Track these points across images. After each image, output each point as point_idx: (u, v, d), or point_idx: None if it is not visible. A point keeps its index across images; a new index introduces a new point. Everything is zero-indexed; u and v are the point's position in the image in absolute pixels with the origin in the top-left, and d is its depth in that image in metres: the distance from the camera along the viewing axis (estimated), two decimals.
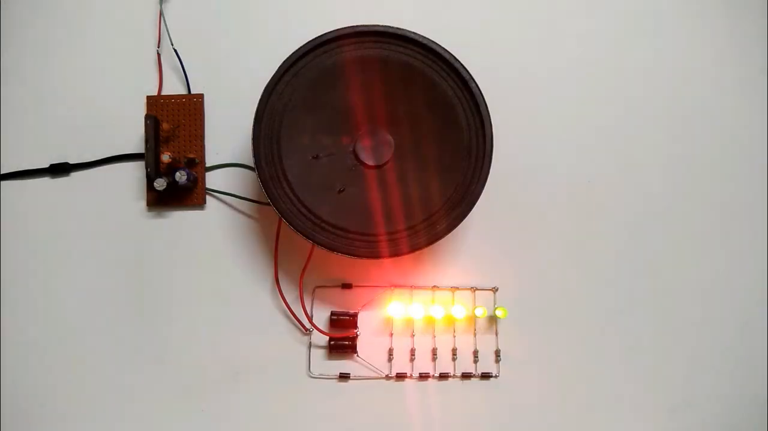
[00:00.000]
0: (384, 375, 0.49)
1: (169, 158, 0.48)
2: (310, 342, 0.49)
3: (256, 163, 0.44)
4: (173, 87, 0.52)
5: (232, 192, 0.50)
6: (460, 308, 0.49)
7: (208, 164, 0.51)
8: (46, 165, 0.50)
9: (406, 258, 0.49)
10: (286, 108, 0.45)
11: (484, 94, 0.45)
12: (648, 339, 0.50)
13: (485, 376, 0.49)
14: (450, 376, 0.49)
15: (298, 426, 0.48)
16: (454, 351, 0.49)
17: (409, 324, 0.50)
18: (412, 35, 0.46)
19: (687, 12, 0.54)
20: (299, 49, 0.45)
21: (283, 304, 0.49)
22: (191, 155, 0.50)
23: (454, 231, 0.45)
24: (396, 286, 0.50)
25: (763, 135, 0.53)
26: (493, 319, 0.50)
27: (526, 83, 0.53)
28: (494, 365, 0.49)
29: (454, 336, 0.50)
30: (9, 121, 0.51)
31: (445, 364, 0.49)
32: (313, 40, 0.45)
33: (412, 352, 0.49)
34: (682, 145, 0.52)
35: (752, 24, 0.54)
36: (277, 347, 0.49)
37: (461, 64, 0.45)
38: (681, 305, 0.51)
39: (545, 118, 0.52)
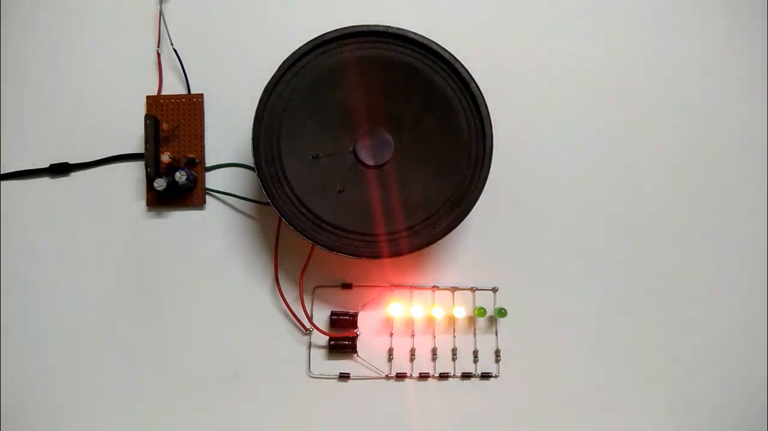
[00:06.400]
0: (384, 375, 0.49)
1: (169, 158, 0.48)
2: (310, 342, 0.49)
3: (256, 163, 0.44)
4: (173, 87, 0.52)
5: (232, 192, 0.50)
6: (460, 309, 0.49)
7: (208, 164, 0.51)
8: (46, 165, 0.50)
9: (406, 258, 0.49)
10: (286, 108, 0.45)
11: (484, 95, 0.45)
12: (648, 339, 0.50)
13: (485, 376, 0.49)
14: (450, 376, 0.49)
15: (298, 426, 0.48)
16: (454, 351, 0.49)
17: (409, 324, 0.50)
18: (413, 35, 0.46)
19: (687, 12, 0.54)
20: (299, 49, 0.45)
21: (283, 304, 0.49)
22: (191, 155, 0.50)
23: (454, 231, 0.45)
24: (396, 286, 0.50)
25: (763, 135, 0.53)
26: (493, 319, 0.50)
27: (526, 84, 0.53)
28: (494, 365, 0.49)
29: (454, 336, 0.50)
30: (9, 121, 0.51)
31: (445, 364, 0.49)
32: (313, 40, 0.45)
33: (412, 352, 0.49)
34: (682, 145, 0.52)
35: (752, 24, 0.54)
36: (277, 347, 0.49)
37: (461, 64, 0.45)
38: (681, 305, 0.51)
39: (545, 118, 0.52)
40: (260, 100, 0.45)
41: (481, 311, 0.49)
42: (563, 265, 0.51)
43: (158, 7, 0.52)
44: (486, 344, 0.50)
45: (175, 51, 0.51)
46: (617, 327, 0.50)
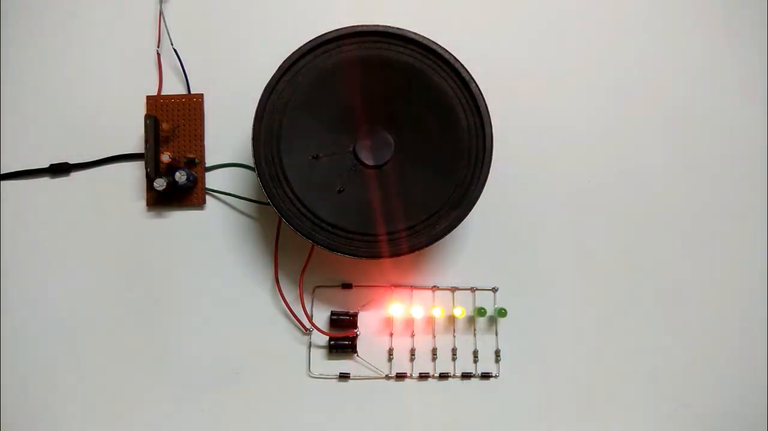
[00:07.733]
0: (384, 375, 0.49)
1: (169, 158, 0.48)
2: (310, 342, 0.49)
3: (256, 163, 0.44)
4: (173, 87, 0.52)
5: (232, 192, 0.50)
6: (459, 309, 0.49)
7: (208, 164, 0.51)
8: (46, 165, 0.50)
9: (406, 258, 0.49)
10: (286, 108, 0.45)
11: (484, 95, 0.45)
12: (648, 339, 0.50)
13: (485, 376, 0.49)
14: (450, 376, 0.49)
15: (298, 426, 0.48)
16: (454, 351, 0.49)
17: (409, 324, 0.50)
18: (413, 35, 0.46)
19: (687, 12, 0.54)
20: (299, 49, 0.45)
21: (283, 304, 0.49)
22: (191, 155, 0.50)
23: (454, 231, 0.45)
24: (396, 286, 0.50)
25: (763, 135, 0.53)
26: (493, 319, 0.50)
27: (526, 84, 0.52)
28: (494, 365, 0.49)
29: (454, 336, 0.50)
30: (9, 121, 0.51)
31: (445, 364, 0.49)
32: (313, 40, 0.45)
33: (412, 352, 0.49)
34: (682, 145, 0.52)
35: (752, 24, 0.54)
36: (277, 347, 0.49)
37: (461, 65, 0.45)
38: (681, 305, 0.51)
39: (545, 118, 0.52)
40: (260, 100, 0.45)
41: (481, 311, 0.49)
42: (563, 265, 0.51)
43: (158, 7, 0.52)
44: (486, 344, 0.50)
45: (175, 51, 0.51)
46: (617, 326, 0.50)
